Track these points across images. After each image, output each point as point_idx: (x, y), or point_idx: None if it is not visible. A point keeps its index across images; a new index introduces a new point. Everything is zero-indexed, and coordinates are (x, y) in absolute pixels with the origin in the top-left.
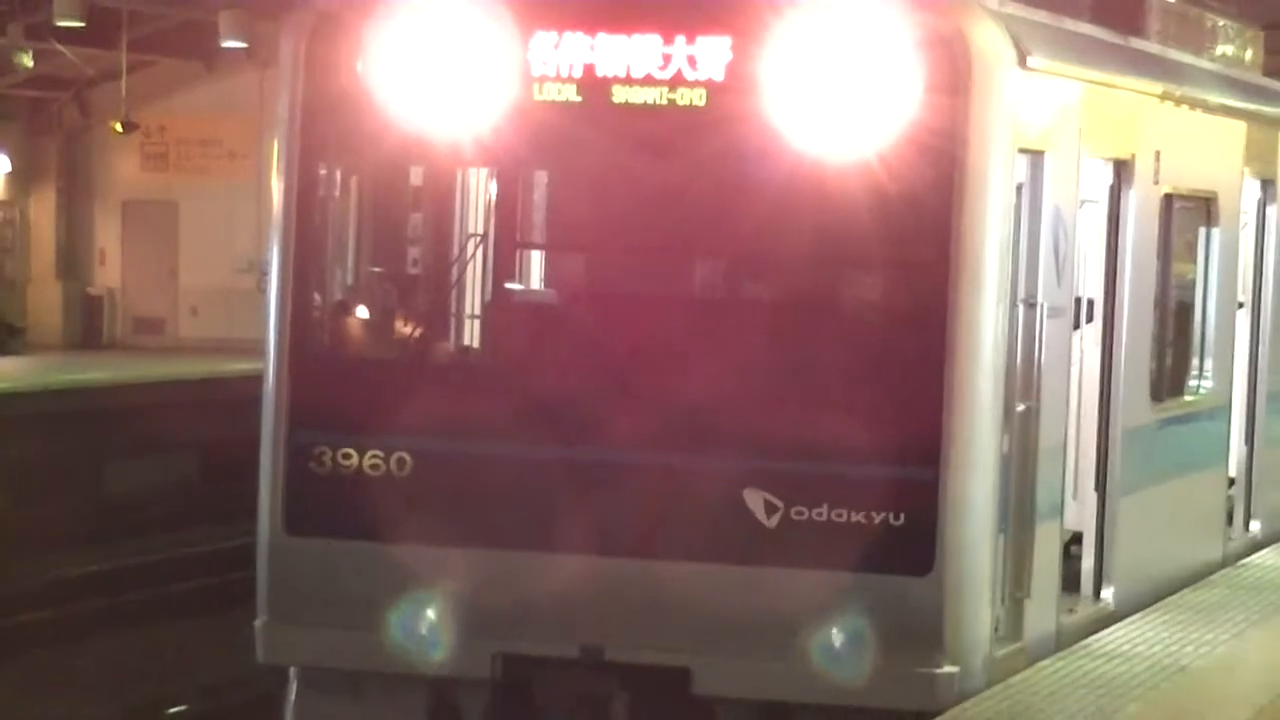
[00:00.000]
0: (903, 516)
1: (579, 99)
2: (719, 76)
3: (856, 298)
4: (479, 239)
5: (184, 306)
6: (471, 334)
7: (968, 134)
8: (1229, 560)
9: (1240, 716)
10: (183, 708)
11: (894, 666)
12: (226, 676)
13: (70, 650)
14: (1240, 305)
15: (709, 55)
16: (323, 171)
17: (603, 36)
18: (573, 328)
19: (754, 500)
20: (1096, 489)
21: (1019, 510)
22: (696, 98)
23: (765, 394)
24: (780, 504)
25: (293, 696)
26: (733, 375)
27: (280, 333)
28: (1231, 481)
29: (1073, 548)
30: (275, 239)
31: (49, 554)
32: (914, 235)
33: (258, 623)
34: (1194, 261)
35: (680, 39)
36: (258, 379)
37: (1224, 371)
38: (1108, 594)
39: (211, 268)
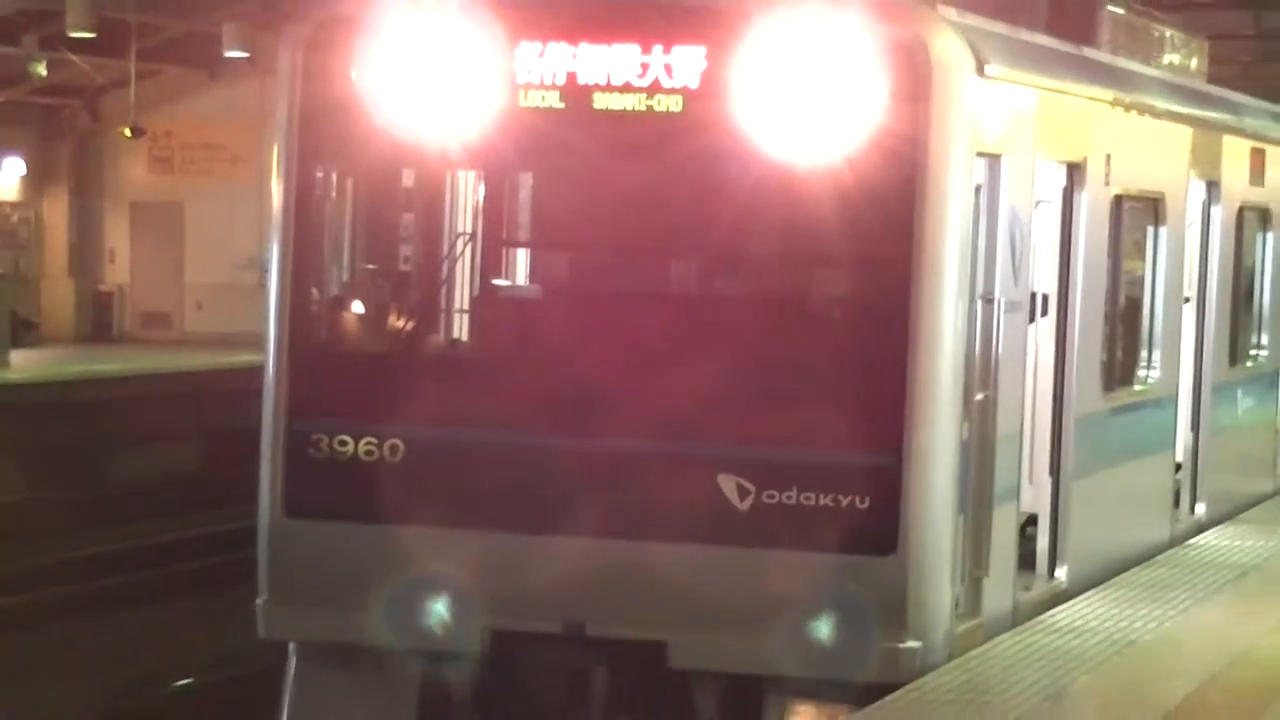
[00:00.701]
0: (868, 500)
1: (562, 105)
2: (694, 84)
3: (824, 293)
4: (467, 238)
5: (189, 302)
6: (460, 328)
7: (929, 138)
8: (1176, 541)
9: (1186, 688)
10: (188, 680)
11: (859, 641)
12: (229, 651)
13: (82, 626)
14: (1186, 300)
15: (684, 64)
16: (319, 174)
17: (584, 46)
18: (556, 322)
19: (727, 485)
20: (1051, 473)
21: (977, 494)
22: (673, 104)
23: (738, 384)
24: (752, 488)
25: (292, 669)
26: (708, 366)
27: (280, 327)
28: (1178, 466)
29: (1028, 529)
30: (275, 238)
31: (62, 535)
32: (878, 234)
33: (259, 600)
34: (1142, 259)
35: (657, 49)
36: (258, 371)
37: (1171, 363)
38: (1061, 573)
39: (215, 265)
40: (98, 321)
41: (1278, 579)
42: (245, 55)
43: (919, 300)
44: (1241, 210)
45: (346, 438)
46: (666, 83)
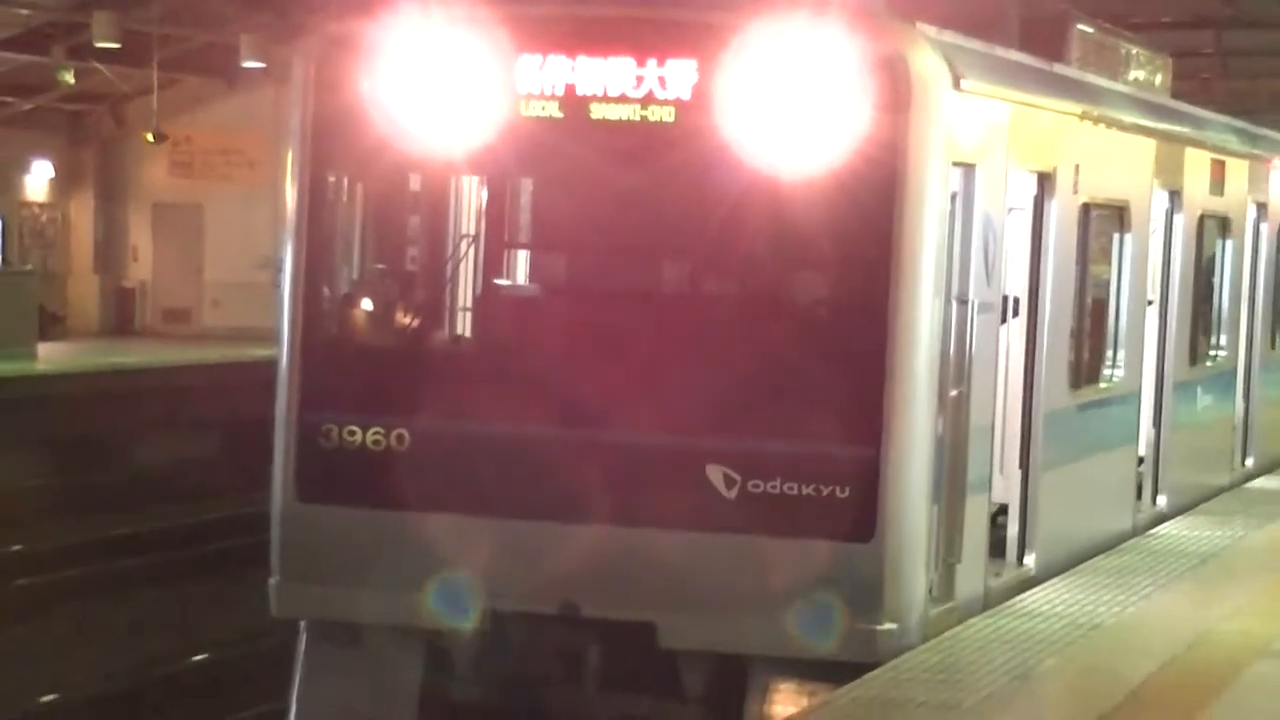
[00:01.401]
0: (847, 489)
1: (561, 115)
2: (686, 96)
3: (807, 294)
4: (470, 239)
5: (207, 298)
6: (463, 324)
7: (908, 148)
8: (1138, 530)
9: (1148, 669)
10: (204, 656)
11: (839, 623)
12: (243, 629)
13: (103, 604)
14: (1150, 303)
15: (677, 77)
16: (331, 178)
17: (582, 59)
18: (554, 319)
19: (715, 474)
20: (1020, 466)
21: (951, 484)
22: (666, 114)
23: (726, 379)
24: (738, 477)
25: (303, 646)
26: (697, 362)
27: (293, 322)
28: (1141, 460)
29: (999, 518)
30: (289, 238)
31: (87, 517)
32: (859, 238)
33: (272, 580)
34: (1108, 264)
35: (652, 62)
36: (272, 364)
37: (1135, 362)
38: (1030, 560)
39: (232, 264)
40: (121, 316)
41: (1234, 567)
42: (261, 66)
43: (897, 301)
44: (1202, 218)
45: (355, 428)
46: (660, 94)
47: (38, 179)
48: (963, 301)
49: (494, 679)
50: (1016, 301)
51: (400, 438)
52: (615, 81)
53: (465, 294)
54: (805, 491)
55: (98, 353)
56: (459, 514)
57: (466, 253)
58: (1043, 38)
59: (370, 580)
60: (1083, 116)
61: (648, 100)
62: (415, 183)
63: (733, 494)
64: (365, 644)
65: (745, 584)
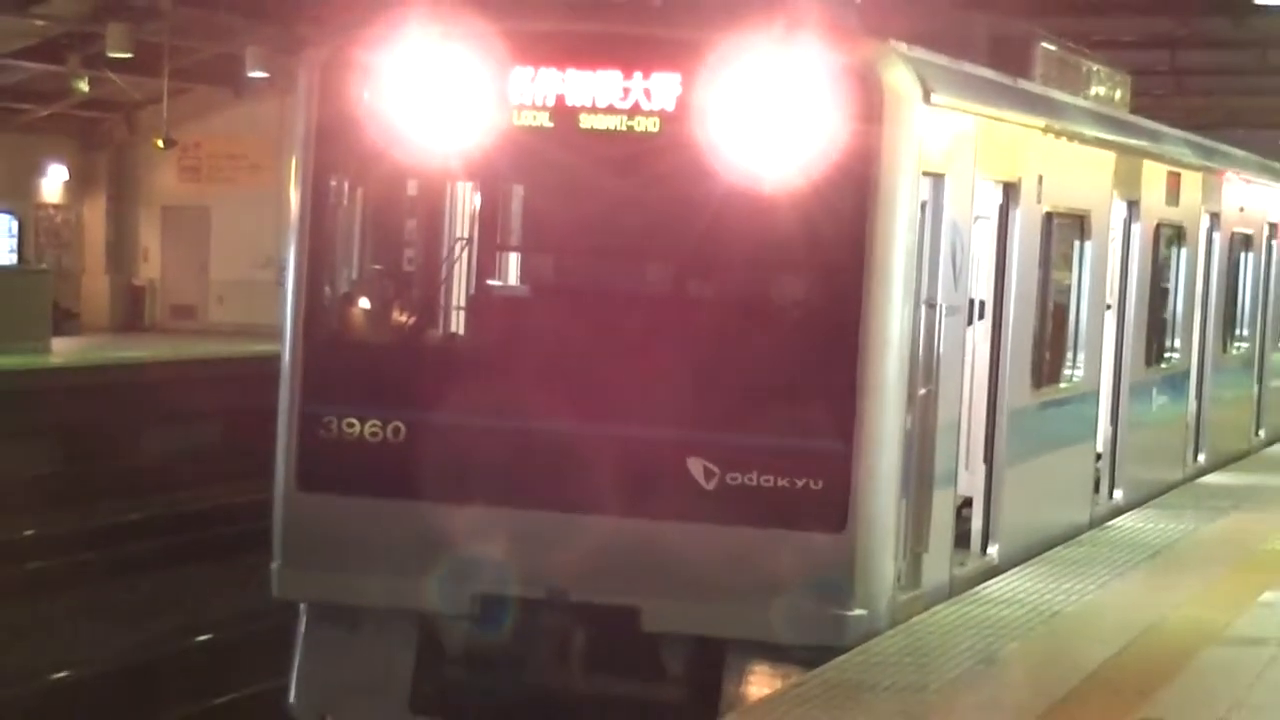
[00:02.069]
0: (820, 482)
1: (551, 124)
2: (670, 107)
3: (784, 297)
4: (464, 242)
5: (213, 296)
6: (457, 322)
7: (880, 158)
8: (1096, 523)
9: (1104, 653)
10: (208, 636)
11: (812, 609)
12: (246, 610)
13: (112, 586)
14: (1108, 307)
15: (661, 89)
16: (332, 183)
17: (572, 72)
18: (544, 318)
19: (695, 467)
20: (985, 461)
21: (919, 478)
22: (651, 125)
23: (706, 377)
24: (717, 470)
25: (302, 628)
26: (679, 361)
27: (295, 319)
28: (1099, 456)
29: (964, 510)
30: (292, 240)
31: (97, 503)
32: (833, 244)
33: (274, 565)
34: (1069, 270)
35: (637, 75)
36: (273, 358)
37: (1093, 363)
38: (993, 550)
39: (237, 263)
40: (131, 312)
41: (1186, 559)
42: (266, 76)
43: (869, 304)
44: (1158, 227)
45: (354, 420)
46: (645, 105)
47: (53, 182)
48: (931, 305)
49: (484, 659)
50: (982, 305)
51: (396, 430)
52: (603, 93)
53: (459, 294)
54: (781, 484)
55: (109, 347)
56: (452, 503)
57: (460, 254)
58: (1008, 55)
59: (367, 565)
60: (1046, 130)
61: (634, 111)
62: (412, 187)
63: (712, 486)
64: (361, 626)
65: (724, 571)
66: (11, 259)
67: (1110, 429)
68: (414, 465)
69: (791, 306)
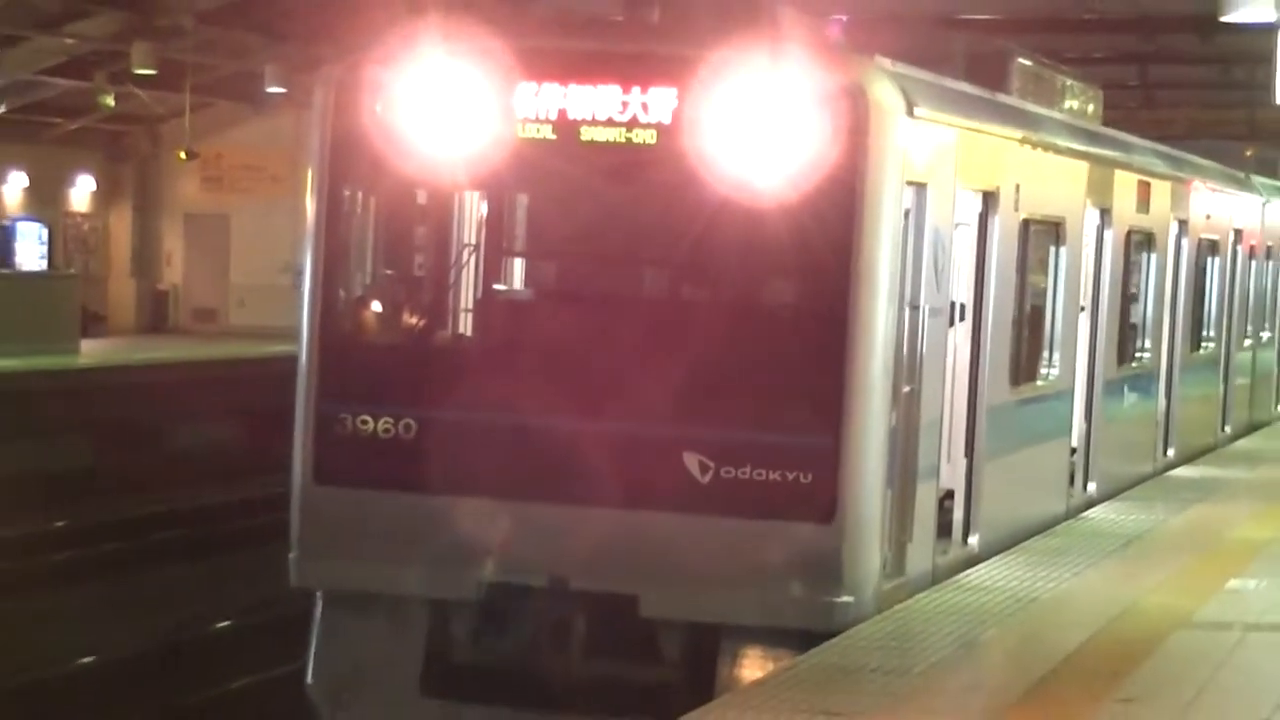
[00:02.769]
0: (810, 476)
1: (554, 137)
2: (667, 120)
3: (775, 300)
4: (471, 248)
5: (233, 300)
6: (465, 325)
7: (865, 169)
8: (1071, 514)
9: (1080, 638)
10: (228, 622)
11: (801, 595)
12: (264, 598)
13: (137, 575)
14: (1082, 309)
15: (659, 103)
16: (347, 193)
17: (574, 87)
18: (547, 320)
19: (691, 461)
20: (966, 455)
21: (903, 471)
22: (648, 137)
23: (701, 376)
24: (712, 464)
25: (319, 614)
26: (675, 360)
27: (311, 322)
28: (1073, 450)
29: (946, 502)
30: (308, 246)
31: (122, 496)
32: (821, 249)
33: (291, 555)
34: (1045, 274)
35: (636, 90)
36: (290, 359)
37: (1068, 362)
38: (974, 540)
39: (256, 269)
40: (155, 315)
41: (1157, 548)
42: (284, 91)
43: (856, 306)
44: (1129, 234)
45: (367, 417)
46: (643, 119)
47: (81, 192)
48: (914, 307)
49: (490, 644)
50: (963, 307)
51: (408, 426)
52: (603, 107)
53: (466, 297)
54: (772, 477)
55: (134, 348)
56: (460, 495)
57: (468, 260)
58: (986, 70)
59: (379, 554)
60: (1023, 141)
61: (632, 124)
62: (422, 197)
63: (707, 479)
64: (374, 613)
65: (718, 560)
66: (42, 265)
67: (1084, 425)
68: (424, 460)
69: (782, 309)
